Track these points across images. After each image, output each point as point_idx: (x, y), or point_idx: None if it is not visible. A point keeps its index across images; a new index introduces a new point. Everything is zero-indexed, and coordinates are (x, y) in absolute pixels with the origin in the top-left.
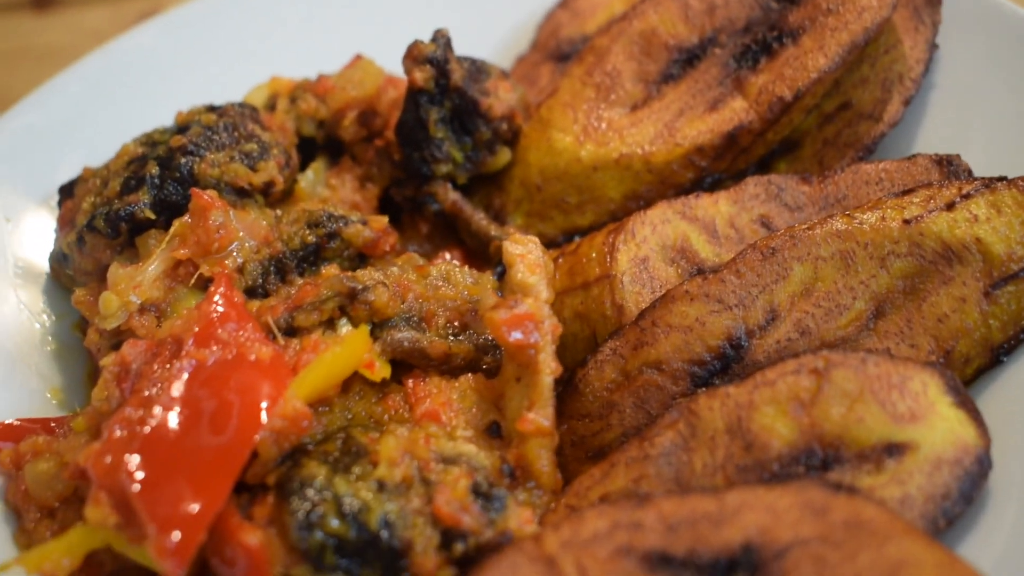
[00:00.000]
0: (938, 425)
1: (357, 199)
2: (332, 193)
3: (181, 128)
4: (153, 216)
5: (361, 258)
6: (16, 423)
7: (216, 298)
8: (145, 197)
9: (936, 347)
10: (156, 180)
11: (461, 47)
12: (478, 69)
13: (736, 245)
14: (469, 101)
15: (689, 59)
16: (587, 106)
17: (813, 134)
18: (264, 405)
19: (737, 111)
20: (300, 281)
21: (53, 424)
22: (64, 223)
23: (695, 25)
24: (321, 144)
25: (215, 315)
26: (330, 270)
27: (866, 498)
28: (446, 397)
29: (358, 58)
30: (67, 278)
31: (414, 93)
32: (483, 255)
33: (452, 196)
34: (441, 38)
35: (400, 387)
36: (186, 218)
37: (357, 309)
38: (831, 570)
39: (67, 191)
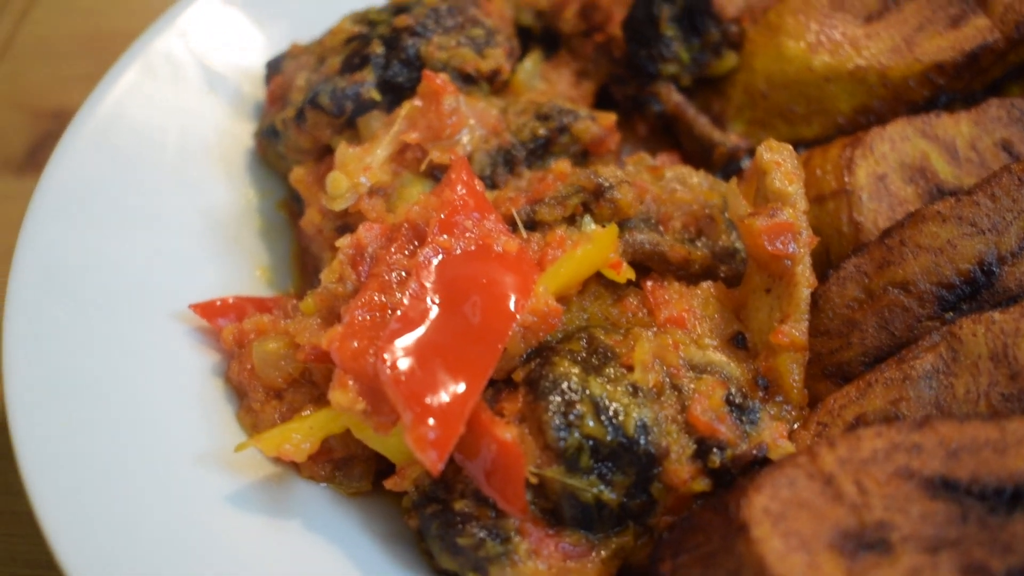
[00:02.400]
0: None
1: (573, 94)
2: (549, 87)
3: (400, 7)
4: (378, 97)
5: (584, 155)
6: (232, 300)
7: (458, 186)
8: (370, 76)
9: None
10: (381, 60)
11: None
12: None
13: (976, 168)
14: (702, 0)
15: None
16: (820, 14)
17: None
18: (514, 299)
19: (981, 29)
20: (528, 174)
21: (271, 304)
22: (274, 99)
23: None
24: (538, 35)
25: (458, 203)
26: (562, 165)
27: None
28: (688, 304)
29: None
30: (275, 156)
31: None
32: (702, 159)
33: (676, 98)
34: None
35: (636, 290)
36: (416, 101)
37: (601, 207)
38: None
39: (275, 66)
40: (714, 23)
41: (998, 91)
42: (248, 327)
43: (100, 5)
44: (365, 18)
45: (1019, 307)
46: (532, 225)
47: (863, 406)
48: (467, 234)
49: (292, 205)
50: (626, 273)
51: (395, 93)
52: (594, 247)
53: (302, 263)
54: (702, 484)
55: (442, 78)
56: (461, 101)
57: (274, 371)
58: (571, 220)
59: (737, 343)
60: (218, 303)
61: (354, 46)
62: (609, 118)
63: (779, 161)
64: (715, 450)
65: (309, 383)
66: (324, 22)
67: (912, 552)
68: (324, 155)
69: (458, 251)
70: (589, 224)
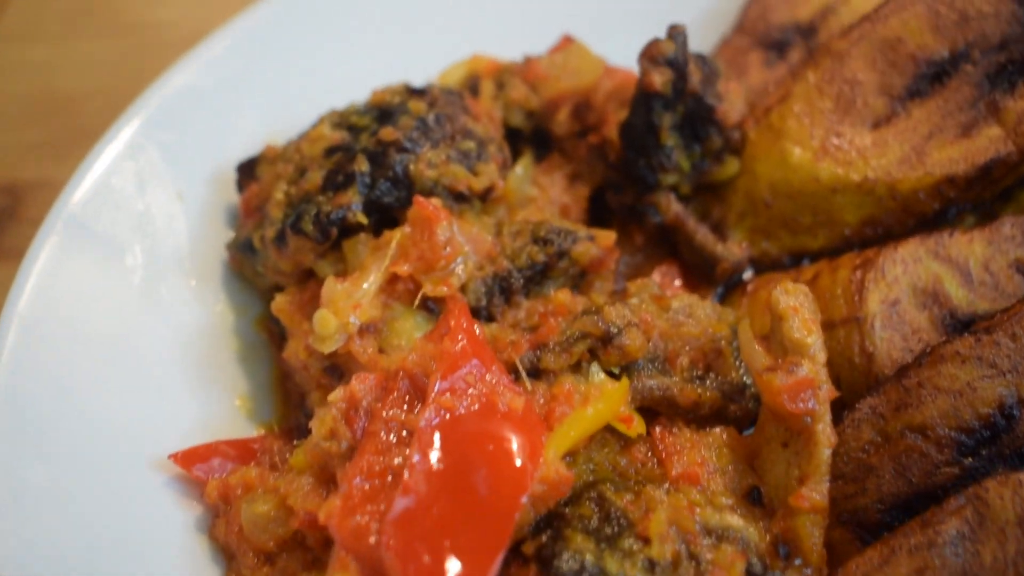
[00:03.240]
0: None
1: (567, 200)
2: (541, 193)
3: (384, 111)
4: (365, 220)
5: (582, 275)
6: (213, 445)
7: (458, 335)
8: (356, 197)
9: None
10: (367, 178)
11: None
12: (711, 70)
13: (990, 291)
14: (704, 107)
15: (937, 74)
16: (825, 118)
17: None
18: (523, 467)
19: (993, 140)
20: (526, 304)
21: (255, 447)
22: (249, 210)
23: (945, 37)
24: (528, 135)
25: (458, 355)
26: (562, 296)
27: None
28: (700, 455)
29: (568, 40)
30: (252, 271)
31: (647, 96)
32: (703, 272)
33: (675, 208)
34: (679, 35)
35: (645, 436)
36: (406, 228)
37: (609, 353)
38: None
39: (248, 171)
40: (716, 130)
41: (1007, 198)
42: (234, 482)
43: (53, 59)
44: (346, 122)
45: None
46: (536, 372)
47: (887, 573)
48: (470, 390)
49: (271, 324)
50: (637, 428)
51: (382, 213)
52: (604, 405)
53: (284, 389)
54: None
55: (434, 204)
56: (455, 229)
57: (264, 534)
58: (576, 366)
59: (753, 499)
60: (199, 450)
61: (337, 159)
62: (608, 237)
63: (796, 307)
64: None
65: (302, 547)
66: (298, 119)
67: None
68: (306, 278)
69: (461, 411)
70: (597, 374)
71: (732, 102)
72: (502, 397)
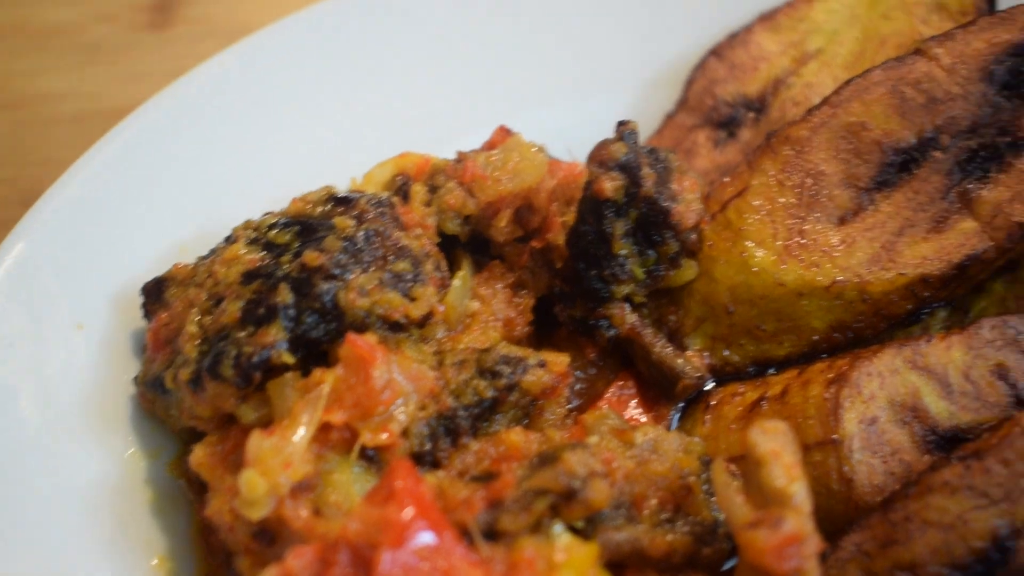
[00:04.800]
0: None
1: (510, 313)
2: (482, 306)
3: (304, 226)
4: (292, 360)
5: (533, 402)
6: None
7: (405, 500)
8: (280, 335)
9: None
10: (292, 311)
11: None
12: (665, 168)
13: (972, 402)
14: (659, 211)
15: (905, 163)
16: (787, 214)
17: None
18: None
19: (968, 235)
20: (475, 445)
21: None
22: (160, 342)
23: (912, 121)
24: (464, 243)
25: (405, 523)
26: (514, 437)
27: None
28: None
29: (504, 132)
30: (165, 412)
31: (598, 203)
32: (660, 387)
33: (630, 319)
34: (630, 135)
35: None
36: (338, 370)
37: (572, 509)
38: None
39: (155, 294)
40: (672, 234)
41: (981, 290)
42: None
43: None
44: (263, 238)
45: None
46: (492, 534)
47: None
48: (421, 565)
49: (189, 470)
50: None
51: (310, 347)
52: (572, 572)
53: (207, 544)
54: None
55: (369, 343)
56: (394, 368)
57: None
58: (536, 524)
59: None
60: None
61: (256, 287)
62: (561, 363)
63: (776, 450)
64: None
65: None
66: (209, 229)
67: None
68: (228, 423)
69: None
70: (561, 535)
71: (688, 202)
72: (459, 573)
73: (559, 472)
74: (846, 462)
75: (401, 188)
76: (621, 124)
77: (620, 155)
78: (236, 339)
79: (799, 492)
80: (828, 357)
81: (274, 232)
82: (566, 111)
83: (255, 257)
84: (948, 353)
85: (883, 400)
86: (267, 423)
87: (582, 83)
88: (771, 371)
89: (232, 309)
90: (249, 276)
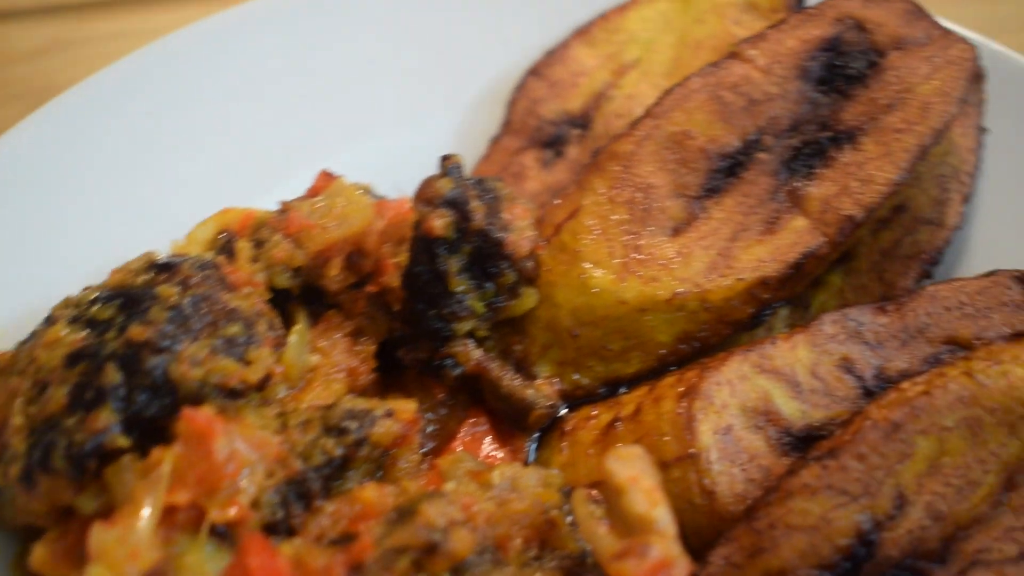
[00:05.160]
0: None
1: (353, 363)
2: (323, 359)
3: (127, 298)
4: (127, 443)
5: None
6: None
7: None
8: (112, 418)
9: None
10: (122, 391)
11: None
12: (494, 197)
13: (822, 398)
14: (493, 243)
15: (732, 167)
16: (621, 231)
17: (868, 243)
18: None
19: (801, 232)
20: (329, 507)
21: None
22: None
23: (734, 125)
24: (297, 296)
25: None
26: (369, 493)
27: None
28: None
29: (327, 176)
30: None
31: (429, 242)
32: (513, 420)
33: (476, 354)
34: (455, 169)
35: None
36: (177, 447)
37: (436, 562)
38: None
39: None
40: (508, 264)
41: (819, 284)
42: None
43: None
44: (85, 315)
45: None
46: None
47: None
48: None
49: (30, 570)
50: None
51: (146, 427)
52: None
53: None
54: None
55: (206, 415)
56: (235, 438)
57: None
58: None
59: None
60: None
61: (81, 370)
62: (409, 410)
63: (635, 476)
64: None
65: None
66: (25, 310)
67: None
68: (67, 515)
69: None
70: None
71: (520, 230)
72: None
73: (418, 526)
74: (706, 475)
75: (225, 246)
76: (445, 159)
77: (446, 191)
78: (65, 428)
79: (662, 516)
80: (677, 370)
81: (96, 308)
82: (388, 144)
83: (78, 337)
84: (793, 353)
85: (735, 408)
86: (108, 511)
87: (403, 113)
88: (622, 390)
89: (58, 395)
90: (73, 358)
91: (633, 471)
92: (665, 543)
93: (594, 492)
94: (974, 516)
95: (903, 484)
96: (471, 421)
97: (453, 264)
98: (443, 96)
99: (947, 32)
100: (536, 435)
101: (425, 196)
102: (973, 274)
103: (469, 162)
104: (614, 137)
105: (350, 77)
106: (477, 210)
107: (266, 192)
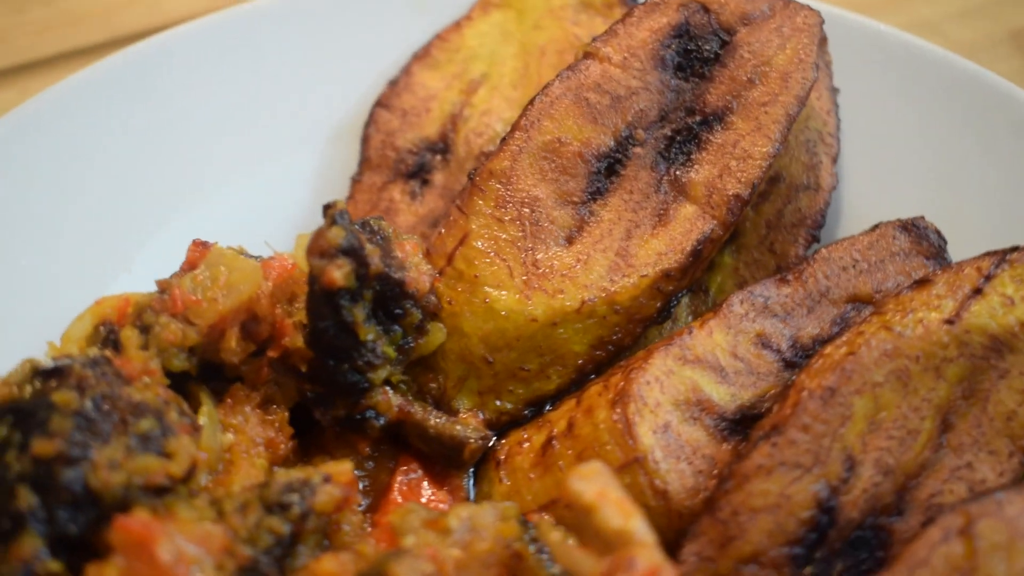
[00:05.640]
0: None
1: (270, 434)
2: (239, 436)
3: (19, 412)
4: (59, 567)
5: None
6: None
7: None
8: (36, 544)
9: (1013, 446)
10: (40, 513)
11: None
12: (383, 238)
13: (747, 377)
14: (394, 284)
15: (611, 166)
16: (515, 249)
17: (752, 218)
18: None
19: (692, 220)
20: None
21: None
22: None
23: (604, 125)
24: (196, 376)
25: None
26: (327, 565)
27: None
28: None
29: (200, 245)
30: None
31: (331, 295)
32: (446, 459)
33: (396, 402)
34: (342, 216)
35: None
36: (118, 560)
37: None
38: None
39: None
40: (412, 303)
41: (713, 268)
42: None
43: None
44: None
45: (903, 564)
46: None
47: None
48: None
49: None
50: None
51: (74, 544)
52: None
53: None
54: None
55: (141, 521)
56: (177, 538)
57: None
58: None
59: None
60: None
61: None
62: (346, 470)
63: (602, 491)
64: None
65: None
66: None
67: None
68: None
69: None
70: None
71: (416, 265)
72: None
73: None
74: (655, 476)
75: (109, 338)
76: (328, 207)
77: (340, 240)
78: None
79: (639, 526)
80: (599, 377)
81: None
82: (247, 198)
83: None
84: (711, 339)
85: (668, 404)
86: None
87: (255, 165)
88: (548, 407)
89: None
90: None
91: (598, 486)
92: (648, 552)
93: (547, 516)
94: (920, 463)
95: (849, 446)
96: (403, 469)
97: (358, 313)
98: (295, 141)
99: (787, 2)
100: (471, 470)
101: (319, 249)
102: (857, 231)
103: None
104: (487, 155)
105: (194, 135)
106: (372, 254)
107: (128, 267)
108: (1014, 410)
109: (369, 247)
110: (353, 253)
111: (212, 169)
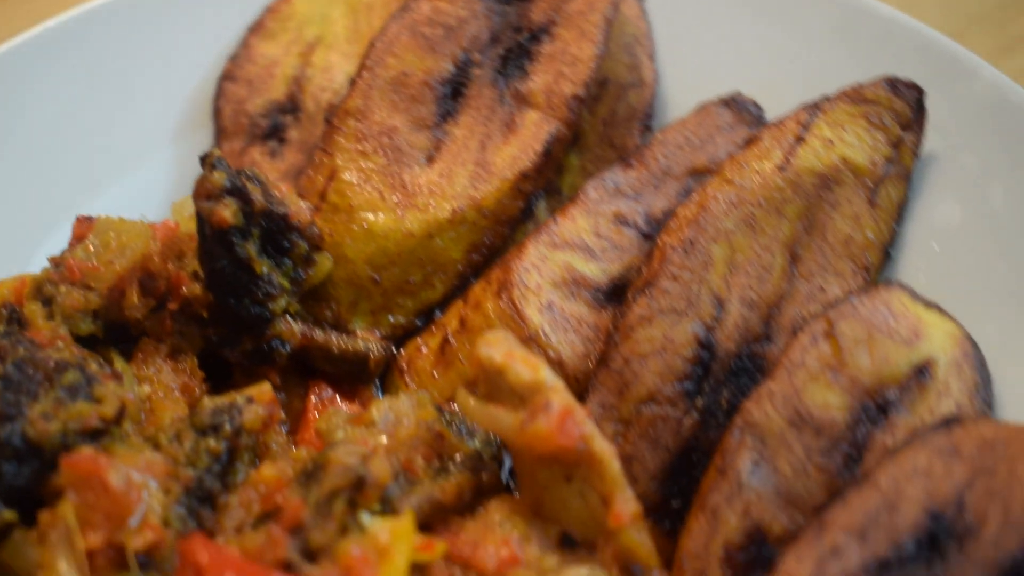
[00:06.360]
0: (933, 332)
1: (184, 380)
2: (155, 386)
3: None
4: (14, 517)
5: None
6: None
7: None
8: None
9: (855, 266)
10: None
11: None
12: (259, 180)
13: (612, 252)
14: (279, 218)
15: (455, 90)
16: (383, 175)
17: (589, 120)
18: None
19: (538, 124)
20: (235, 500)
21: None
22: None
23: (443, 54)
24: (104, 336)
25: None
26: (267, 471)
27: (970, 420)
28: (497, 536)
29: (85, 220)
30: None
31: (223, 234)
32: (353, 376)
33: (298, 328)
34: (220, 161)
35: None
36: (71, 496)
37: (367, 495)
38: (1007, 494)
39: None
40: (298, 234)
41: (562, 170)
42: None
43: None
44: None
45: (782, 368)
46: (310, 555)
47: (723, 534)
48: None
49: None
50: (438, 548)
51: (22, 497)
52: (403, 544)
53: None
54: None
55: (88, 455)
56: (123, 467)
57: None
58: (342, 528)
59: (568, 544)
60: None
61: None
62: (265, 390)
63: (508, 351)
64: None
65: None
66: None
67: None
68: None
69: None
70: (374, 521)
71: (294, 201)
72: None
73: (336, 471)
74: (548, 348)
75: (12, 316)
76: (205, 157)
77: (223, 181)
78: None
79: (548, 375)
80: (477, 278)
81: None
82: (116, 192)
83: None
84: (575, 224)
85: (547, 285)
86: None
87: (114, 157)
88: (437, 314)
89: None
90: None
91: (505, 348)
92: (560, 395)
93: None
94: (779, 294)
95: (715, 288)
96: (315, 391)
97: (251, 248)
98: (148, 129)
99: None
100: (378, 384)
101: (205, 192)
102: (684, 115)
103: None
104: (341, 99)
105: (43, 138)
106: (255, 191)
107: (22, 259)
108: (849, 235)
109: (251, 186)
110: (237, 192)
111: (81, 171)
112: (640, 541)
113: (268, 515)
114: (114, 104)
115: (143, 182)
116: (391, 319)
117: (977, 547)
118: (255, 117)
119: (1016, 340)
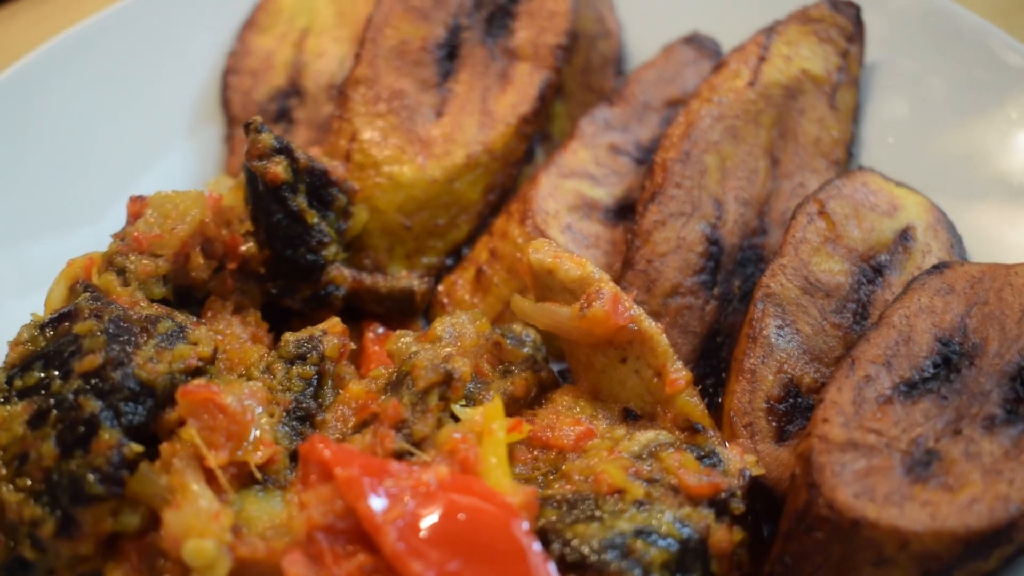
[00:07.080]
0: (908, 203)
1: (253, 331)
2: (228, 339)
3: (45, 357)
4: (142, 449)
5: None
6: None
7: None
8: (114, 435)
9: (828, 162)
10: (107, 412)
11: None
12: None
13: (613, 177)
14: (320, 174)
15: (450, 52)
16: (400, 132)
17: (568, 72)
18: (497, 510)
19: (530, 73)
20: (332, 416)
21: None
22: None
23: (434, 21)
24: (175, 299)
25: (355, 477)
26: (354, 387)
27: (957, 263)
28: (572, 418)
29: (139, 199)
30: None
31: (277, 190)
32: (400, 314)
33: (348, 272)
34: (263, 126)
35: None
36: (192, 423)
37: (455, 390)
38: (1000, 316)
39: None
40: (337, 188)
41: (551, 120)
42: None
43: None
44: (11, 393)
45: (787, 245)
46: (417, 445)
47: (764, 390)
48: (397, 491)
49: None
50: (525, 428)
51: (142, 435)
52: (499, 422)
53: None
54: (739, 534)
55: (202, 384)
56: (233, 393)
57: None
58: (438, 421)
59: (632, 417)
60: None
61: (54, 421)
62: (335, 322)
63: (556, 254)
64: (730, 499)
65: None
66: None
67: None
68: (114, 545)
69: (410, 510)
70: (466, 409)
71: (328, 160)
72: (427, 480)
73: (426, 370)
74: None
75: (87, 289)
76: (248, 124)
77: (272, 141)
78: (76, 468)
79: (595, 269)
80: (496, 215)
81: (19, 381)
82: (144, 177)
83: (20, 409)
84: (576, 155)
85: (564, 209)
86: (152, 520)
87: (144, 148)
88: (465, 251)
89: (46, 451)
90: (35, 421)
91: (552, 251)
92: (610, 285)
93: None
94: (766, 192)
95: (713, 191)
96: (369, 330)
97: (301, 201)
98: (166, 126)
99: None
100: (423, 319)
101: (257, 152)
102: (649, 58)
103: (219, 163)
104: (351, 69)
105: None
106: (298, 149)
107: (83, 239)
108: (818, 135)
109: (294, 145)
110: (285, 150)
111: (114, 176)
112: (695, 403)
113: (366, 423)
114: (132, 107)
115: (170, 171)
116: (424, 260)
117: (984, 361)
118: (263, 103)
119: (970, 205)
